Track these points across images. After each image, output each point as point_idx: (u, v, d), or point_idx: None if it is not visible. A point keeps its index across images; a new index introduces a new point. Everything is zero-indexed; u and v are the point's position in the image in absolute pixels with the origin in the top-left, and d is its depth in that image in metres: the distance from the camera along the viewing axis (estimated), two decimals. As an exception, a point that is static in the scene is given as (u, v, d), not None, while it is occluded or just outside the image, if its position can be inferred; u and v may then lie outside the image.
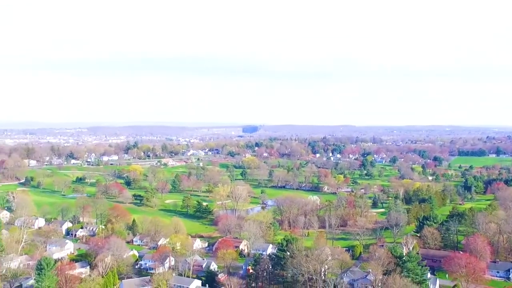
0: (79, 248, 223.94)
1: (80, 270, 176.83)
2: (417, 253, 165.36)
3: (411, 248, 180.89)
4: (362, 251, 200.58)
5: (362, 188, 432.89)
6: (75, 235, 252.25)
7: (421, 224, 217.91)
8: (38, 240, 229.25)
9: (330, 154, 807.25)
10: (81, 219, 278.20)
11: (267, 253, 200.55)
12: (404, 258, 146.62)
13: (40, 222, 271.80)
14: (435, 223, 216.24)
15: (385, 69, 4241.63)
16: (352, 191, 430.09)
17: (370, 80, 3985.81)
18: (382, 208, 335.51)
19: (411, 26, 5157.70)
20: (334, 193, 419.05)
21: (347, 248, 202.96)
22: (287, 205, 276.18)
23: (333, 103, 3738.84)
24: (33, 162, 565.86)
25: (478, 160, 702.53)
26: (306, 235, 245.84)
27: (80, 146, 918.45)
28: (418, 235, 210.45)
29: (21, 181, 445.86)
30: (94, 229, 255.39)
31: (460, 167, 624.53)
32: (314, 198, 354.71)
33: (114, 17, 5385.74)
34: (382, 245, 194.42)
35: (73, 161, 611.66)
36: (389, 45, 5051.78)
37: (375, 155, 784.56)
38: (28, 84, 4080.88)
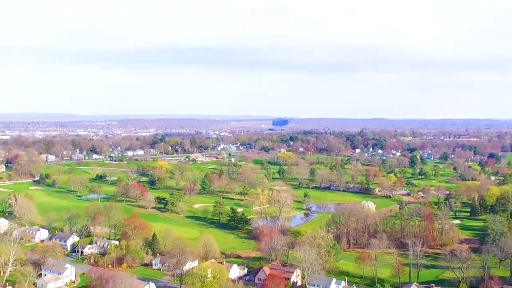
0: (83, 274, 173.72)
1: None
2: None
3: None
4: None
5: (420, 191, 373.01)
6: (82, 252, 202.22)
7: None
8: (33, 260, 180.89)
9: (371, 149, 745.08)
10: (91, 229, 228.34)
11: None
12: None
13: (42, 234, 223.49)
14: None
15: (416, 61, 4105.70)
16: (410, 194, 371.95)
17: (400, 73, 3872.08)
18: (456, 218, 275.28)
19: (440, 17, 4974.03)
20: (388, 197, 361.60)
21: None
22: (345, 218, 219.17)
23: (363, 96, 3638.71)
24: (51, 157, 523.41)
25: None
26: (375, 258, 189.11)
27: (108, 139, 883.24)
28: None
29: (36, 179, 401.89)
30: (106, 245, 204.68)
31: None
32: (369, 204, 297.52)
33: (144, 9, 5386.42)
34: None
35: (95, 156, 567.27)
36: (419, 36, 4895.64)
37: (420, 151, 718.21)
38: (61, 77, 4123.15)
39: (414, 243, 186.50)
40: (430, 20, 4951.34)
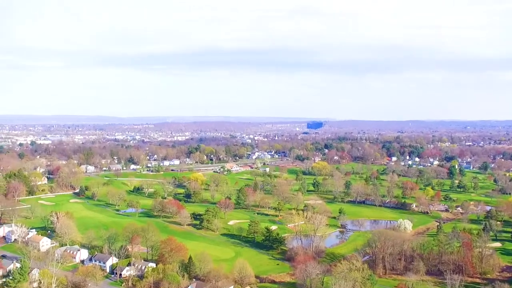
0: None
1: None
2: None
3: None
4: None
5: (458, 206, 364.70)
6: (121, 275, 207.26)
7: None
8: (73, 282, 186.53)
9: (407, 157, 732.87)
10: (129, 249, 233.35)
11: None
12: None
13: (83, 254, 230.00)
14: None
15: (454, 60, 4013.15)
16: (448, 210, 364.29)
17: (437, 73, 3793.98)
18: (496, 239, 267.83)
19: (477, 14, 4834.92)
20: (426, 213, 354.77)
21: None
22: (381, 243, 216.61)
23: (399, 97, 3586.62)
24: (91, 168, 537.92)
25: None
26: (411, 287, 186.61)
27: (145, 144, 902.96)
28: None
29: (76, 191, 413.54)
30: (143, 267, 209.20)
31: None
32: (406, 222, 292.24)
33: (178, 13, 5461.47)
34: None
35: (132, 166, 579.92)
36: (457, 35, 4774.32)
37: (459, 159, 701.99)
38: (100, 80, 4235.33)
39: (452, 272, 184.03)
40: (468, 18, 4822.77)
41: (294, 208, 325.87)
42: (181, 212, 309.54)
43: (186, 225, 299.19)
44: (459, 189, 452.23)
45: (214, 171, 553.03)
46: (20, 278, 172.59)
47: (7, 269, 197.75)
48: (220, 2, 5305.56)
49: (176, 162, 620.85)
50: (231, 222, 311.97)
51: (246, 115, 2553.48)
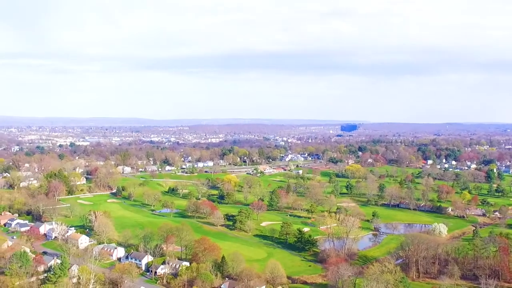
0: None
1: None
2: None
3: None
4: None
5: (496, 211, 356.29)
6: (156, 272, 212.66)
7: None
8: (111, 279, 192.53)
9: (444, 161, 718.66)
10: (164, 248, 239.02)
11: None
12: None
13: (119, 252, 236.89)
14: None
15: (494, 61, 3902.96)
16: (485, 215, 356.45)
17: (476, 74, 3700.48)
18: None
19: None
20: (462, 217, 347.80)
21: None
22: (415, 246, 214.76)
23: (436, 99, 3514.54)
24: (127, 169, 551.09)
25: None
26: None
27: (179, 146, 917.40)
28: None
29: (113, 191, 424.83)
30: (177, 266, 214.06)
31: None
32: (441, 226, 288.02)
33: (213, 15, 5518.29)
34: None
35: (167, 167, 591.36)
36: (495, 36, 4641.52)
37: (497, 162, 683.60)
38: (136, 83, 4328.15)
39: (487, 277, 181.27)
40: (505, 18, 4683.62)
41: (326, 211, 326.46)
42: (214, 213, 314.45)
43: (219, 225, 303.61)
44: (497, 194, 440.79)
45: (247, 173, 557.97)
46: (61, 273, 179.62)
47: (48, 264, 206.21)
48: (253, 4, 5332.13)
49: (210, 163, 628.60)
50: (263, 224, 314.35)
51: (280, 117, 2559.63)
